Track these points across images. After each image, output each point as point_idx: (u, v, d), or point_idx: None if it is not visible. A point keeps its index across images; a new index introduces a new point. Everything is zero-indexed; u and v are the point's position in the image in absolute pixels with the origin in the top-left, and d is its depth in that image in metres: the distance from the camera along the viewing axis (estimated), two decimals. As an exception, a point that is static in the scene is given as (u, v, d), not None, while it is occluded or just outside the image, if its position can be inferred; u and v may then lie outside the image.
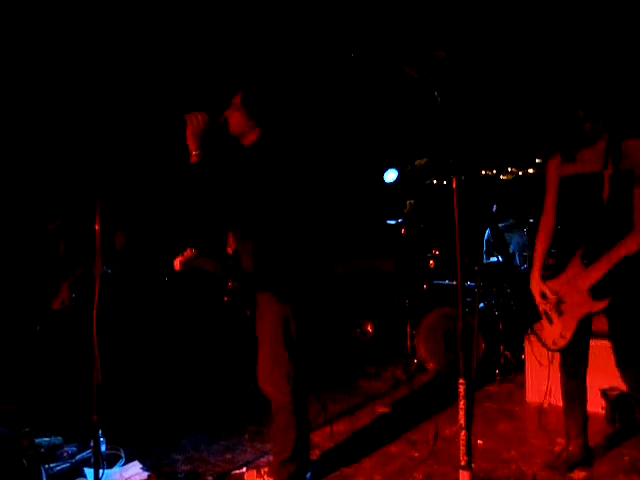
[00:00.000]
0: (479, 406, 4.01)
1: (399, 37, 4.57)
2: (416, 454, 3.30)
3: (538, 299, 2.93)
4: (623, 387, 3.61)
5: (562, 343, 2.84)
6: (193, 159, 2.61)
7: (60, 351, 4.53)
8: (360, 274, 6.27)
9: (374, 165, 6.61)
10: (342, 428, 3.75)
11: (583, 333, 2.85)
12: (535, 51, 4.97)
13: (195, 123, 2.59)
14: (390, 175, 6.48)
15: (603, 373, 3.71)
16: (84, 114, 5.19)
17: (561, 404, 3.07)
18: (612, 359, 3.74)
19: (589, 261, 2.70)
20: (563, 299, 2.81)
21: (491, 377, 4.66)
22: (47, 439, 3.27)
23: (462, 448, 1.46)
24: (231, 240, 3.01)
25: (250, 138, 2.81)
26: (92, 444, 2.73)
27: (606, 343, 3.73)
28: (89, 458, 3.15)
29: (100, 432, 2.77)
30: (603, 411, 3.63)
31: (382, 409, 4.15)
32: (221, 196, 2.65)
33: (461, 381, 1.45)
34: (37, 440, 3.21)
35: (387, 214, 6.15)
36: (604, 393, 3.64)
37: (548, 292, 2.86)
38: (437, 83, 1.53)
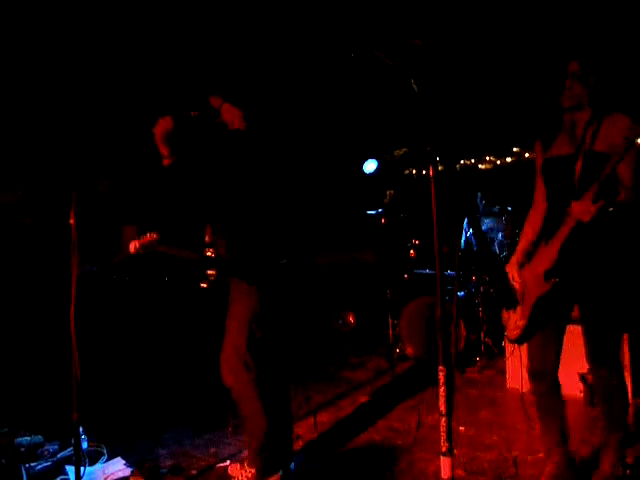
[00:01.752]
0: (460, 393, 4.06)
1: (374, 24, 4.55)
2: (399, 442, 3.33)
3: (509, 283, 2.78)
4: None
5: (516, 333, 2.66)
6: (165, 162, 2.68)
7: (39, 349, 4.47)
8: (341, 265, 6.29)
9: (353, 156, 6.61)
10: (325, 418, 3.77)
11: (538, 322, 2.61)
12: (513, 37, 4.99)
13: (158, 128, 2.64)
14: (370, 166, 6.50)
15: (581, 357, 3.78)
16: (65, 108, 5.10)
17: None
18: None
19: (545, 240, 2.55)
20: (526, 284, 2.65)
21: (472, 364, 4.71)
22: (28, 438, 3.23)
23: (443, 435, 1.47)
24: (209, 229, 3.01)
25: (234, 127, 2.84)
26: (73, 442, 2.70)
27: (581, 328, 3.81)
28: (71, 456, 3.12)
29: (81, 429, 2.75)
30: (582, 394, 3.70)
31: (365, 398, 4.17)
32: (195, 196, 2.70)
33: (441, 368, 1.46)
34: (18, 440, 3.18)
35: (367, 204, 6.16)
36: (582, 377, 3.70)
37: (516, 276, 2.68)
38: (413, 71, 1.53)
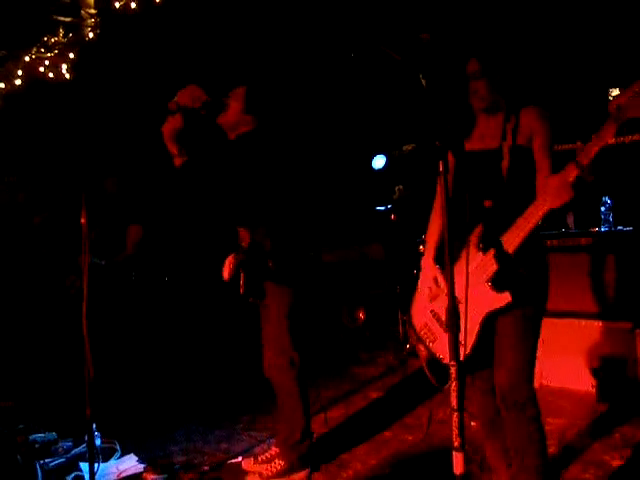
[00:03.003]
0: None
1: (383, 20, 4.54)
2: (410, 437, 3.33)
3: (427, 292, 2.37)
4: (612, 366, 3.67)
5: (463, 353, 2.15)
6: (176, 161, 2.60)
7: (53, 346, 4.51)
8: (350, 261, 6.28)
9: (362, 151, 6.59)
10: (336, 414, 3.77)
11: (489, 337, 2.23)
12: (520, 30, 4.96)
13: (167, 127, 2.57)
14: (378, 161, 6.47)
15: (592, 352, 3.76)
16: (75, 109, 5.14)
17: (553, 384, 3.06)
18: (601, 338, 3.80)
19: (485, 245, 2.17)
20: (458, 297, 2.13)
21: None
22: (42, 435, 3.26)
23: (455, 430, 1.47)
24: (242, 233, 2.95)
25: (242, 129, 2.84)
26: (87, 438, 2.73)
27: (594, 323, 3.80)
28: (84, 453, 3.14)
29: (94, 426, 2.77)
30: (593, 390, 3.68)
31: (375, 394, 4.17)
32: (217, 193, 2.67)
33: (452, 363, 1.46)
34: (32, 436, 3.21)
35: (376, 200, 6.15)
36: (594, 372, 3.68)
37: (442, 279, 2.29)
38: (422, 66, 1.52)
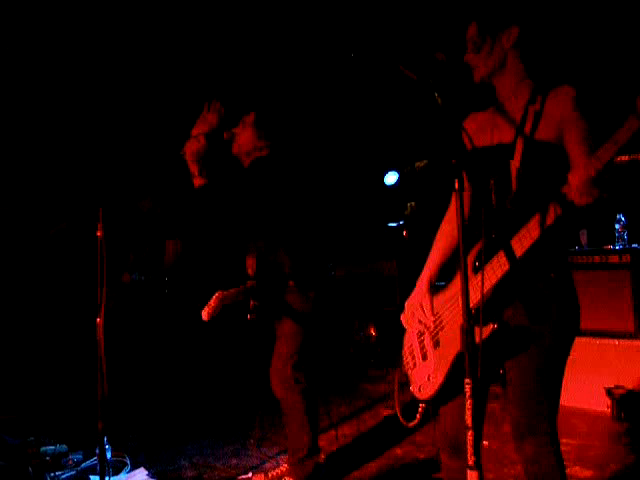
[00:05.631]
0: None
1: (398, 38, 4.58)
2: (421, 455, 3.30)
3: (411, 321, 2.03)
4: (628, 385, 3.62)
5: (429, 392, 1.90)
6: (198, 181, 2.58)
7: (64, 359, 4.54)
8: (362, 277, 6.28)
9: (374, 167, 6.62)
10: (347, 431, 3.75)
11: (460, 380, 1.61)
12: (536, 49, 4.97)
13: (194, 144, 2.55)
14: (390, 177, 6.50)
15: (608, 371, 3.72)
16: (94, 123, 5.23)
17: (568, 404, 2.99)
18: (615, 357, 3.76)
19: (481, 264, 1.73)
20: (442, 323, 1.89)
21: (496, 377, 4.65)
22: (52, 447, 3.28)
23: (470, 448, 1.45)
24: (250, 262, 3.00)
25: (256, 155, 2.87)
26: (97, 451, 2.73)
27: (610, 341, 3.76)
28: (95, 466, 3.15)
29: (105, 439, 2.78)
30: (609, 410, 3.63)
31: (387, 411, 4.15)
32: (233, 218, 2.69)
33: (467, 381, 1.45)
34: (42, 449, 3.22)
35: (388, 216, 6.16)
36: (609, 391, 3.64)
37: (429, 308, 1.94)
38: (437, 85, 1.53)
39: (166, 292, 4.83)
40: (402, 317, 2.08)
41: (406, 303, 2.06)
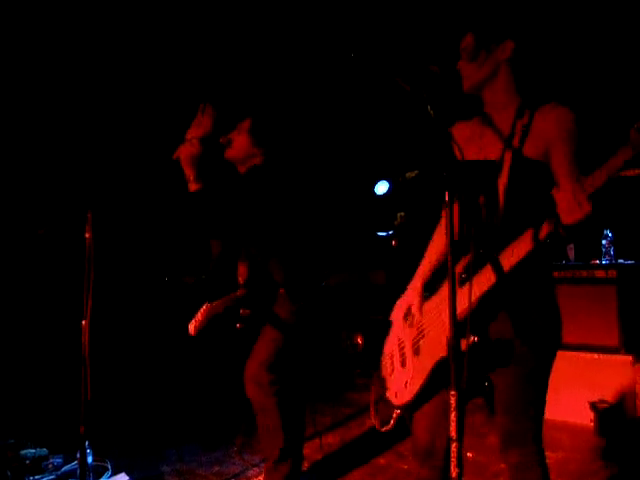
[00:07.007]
0: (469, 418, 4.02)
1: (393, 50, 4.61)
2: (405, 466, 3.29)
3: (397, 324, 2.03)
4: (612, 400, 3.65)
5: (404, 398, 1.91)
6: (193, 186, 2.51)
7: (48, 361, 4.49)
8: (351, 286, 6.28)
9: (365, 177, 6.64)
10: (331, 440, 3.74)
11: (436, 388, 1.84)
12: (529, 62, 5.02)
13: (188, 148, 2.48)
14: (381, 187, 6.52)
15: (592, 385, 3.74)
16: (87, 124, 5.20)
17: (552, 417, 3.03)
18: (600, 372, 3.78)
19: (468, 276, 1.70)
20: (424, 332, 1.90)
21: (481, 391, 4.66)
22: (32, 450, 3.23)
23: (453, 460, 1.46)
24: (241, 269, 2.99)
25: (252, 162, 2.86)
26: (78, 456, 2.70)
27: (595, 356, 3.78)
28: (75, 470, 3.11)
29: (87, 443, 2.75)
30: (592, 423, 3.65)
31: (371, 421, 4.14)
32: (231, 222, 2.67)
33: (452, 392, 1.45)
34: (22, 452, 3.18)
35: (378, 226, 6.17)
36: (593, 405, 3.66)
37: (417, 312, 1.94)
38: (430, 97, 1.54)
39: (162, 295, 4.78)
40: (391, 317, 2.09)
41: (396, 303, 2.08)
